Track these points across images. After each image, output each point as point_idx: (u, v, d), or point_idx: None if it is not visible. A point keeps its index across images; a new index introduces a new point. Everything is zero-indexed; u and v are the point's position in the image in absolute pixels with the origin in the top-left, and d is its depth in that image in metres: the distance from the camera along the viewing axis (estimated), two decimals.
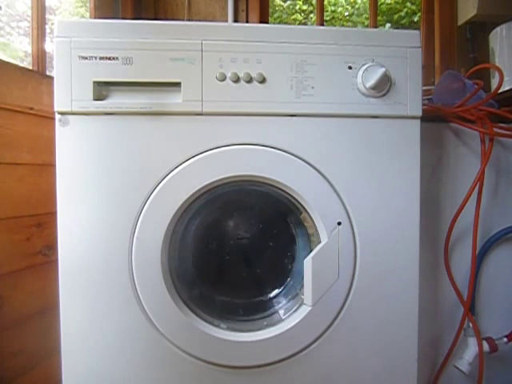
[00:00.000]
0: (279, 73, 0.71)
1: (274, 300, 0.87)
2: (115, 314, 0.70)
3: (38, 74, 0.99)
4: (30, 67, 1.02)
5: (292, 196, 0.73)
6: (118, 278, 0.70)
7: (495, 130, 0.88)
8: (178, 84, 0.69)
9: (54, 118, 0.69)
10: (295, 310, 0.75)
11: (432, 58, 1.63)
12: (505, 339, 0.92)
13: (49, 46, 1.06)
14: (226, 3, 1.52)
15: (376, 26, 1.75)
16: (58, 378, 0.72)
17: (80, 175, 0.69)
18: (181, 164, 0.70)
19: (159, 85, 0.69)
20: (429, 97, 1.06)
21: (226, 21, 1.51)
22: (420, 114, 0.74)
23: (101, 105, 0.68)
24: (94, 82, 0.68)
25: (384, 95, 0.72)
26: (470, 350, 0.90)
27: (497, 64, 1.33)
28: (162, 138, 0.70)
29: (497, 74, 1.05)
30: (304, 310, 0.73)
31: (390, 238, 0.75)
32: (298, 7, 3.92)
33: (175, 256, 0.77)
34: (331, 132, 0.73)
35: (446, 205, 0.91)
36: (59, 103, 0.68)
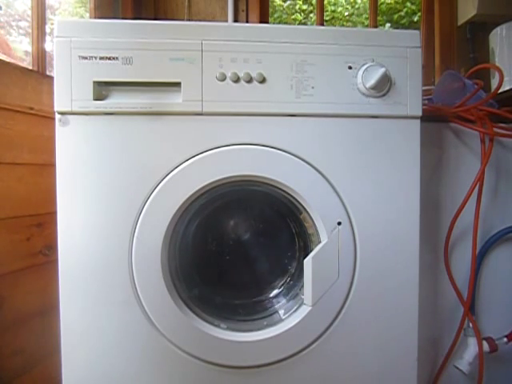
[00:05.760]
0: (279, 73, 0.71)
1: (274, 300, 0.87)
2: (115, 313, 0.70)
3: (38, 74, 0.99)
4: (30, 67, 1.02)
5: (292, 196, 0.73)
6: (118, 277, 0.70)
7: (495, 130, 0.88)
8: (178, 84, 0.69)
9: (54, 118, 0.68)
10: (295, 310, 0.75)
11: (432, 58, 1.63)
12: (505, 339, 0.92)
13: (49, 46, 1.06)
14: (226, 3, 1.52)
15: (376, 26, 1.75)
16: (58, 378, 0.72)
17: (80, 175, 0.69)
18: (181, 164, 0.70)
19: (159, 85, 0.69)
20: (429, 97, 1.06)
21: (226, 21, 1.51)
22: (420, 113, 0.74)
23: (101, 105, 0.68)
24: (94, 82, 0.68)
25: (384, 95, 0.72)
26: (470, 350, 0.90)
27: (497, 64, 1.33)
28: (161, 137, 0.70)
29: (497, 74, 1.05)
30: (304, 310, 0.73)
31: (390, 237, 0.74)
32: (297, 7, 3.92)
33: (175, 256, 0.77)
34: (331, 132, 0.73)
35: (446, 205, 0.91)
36: (59, 103, 0.68)
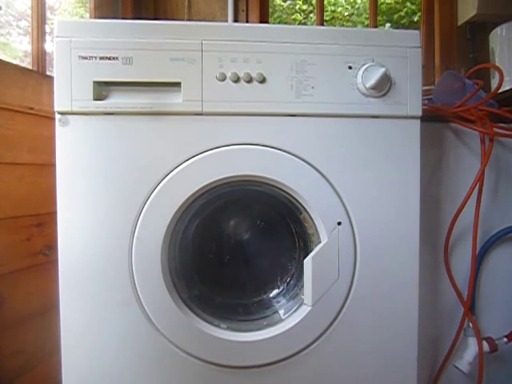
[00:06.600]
0: (279, 73, 0.71)
1: (274, 300, 0.87)
2: (115, 313, 0.70)
3: (38, 74, 0.99)
4: (30, 67, 1.02)
5: (292, 196, 0.73)
6: (118, 277, 0.70)
7: (495, 130, 0.88)
8: (178, 84, 0.69)
9: (54, 118, 0.69)
10: (295, 310, 0.75)
11: (432, 58, 1.63)
12: (505, 339, 0.92)
13: (49, 46, 1.06)
14: (226, 3, 1.52)
15: (376, 26, 1.75)
16: (58, 378, 0.72)
17: (80, 175, 0.69)
18: (181, 164, 0.70)
19: (159, 85, 0.69)
20: (429, 97, 1.06)
21: (226, 21, 1.51)
22: (420, 113, 0.74)
23: (101, 105, 0.68)
24: (94, 82, 0.68)
25: (384, 95, 0.72)
26: (470, 350, 0.90)
27: (497, 64, 1.33)
28: (162, 137, 0.70)
29: (497, 74, 1.05)
30: (304, 310, 0.73)
31: (390, 237, 0.74)
32: (298, 7, 3.92)
33: (175, 256, 0.77)
34: (331, 132, 0.73)
35: (446, 205, 0.91)
36: (59, 103, 0.68)
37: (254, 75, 0.70)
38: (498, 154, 0.93)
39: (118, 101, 0.69)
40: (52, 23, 1.09)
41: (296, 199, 0.74)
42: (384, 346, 0.76)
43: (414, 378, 0.77)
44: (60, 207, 0.69)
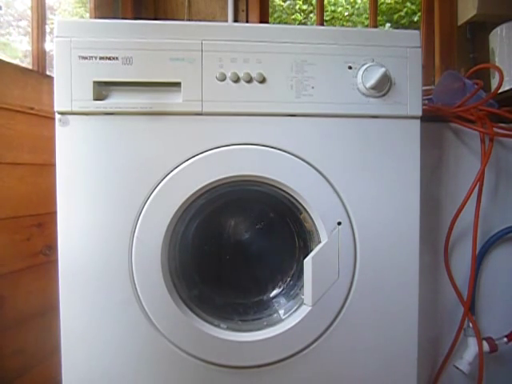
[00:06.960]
0: (279, 73, 0.71)
1: (274, 300, 0.87)
2: (115, 313, 0.70)
3: (38, 74, 0.99)
4: (30, 67, 1.02)
5: (292, 196, 0.74)
6: (118, 277, 0.70)
7: (495, 130, 0.88)
8: (178, 84, 0.69)
9: (54, 118, 0.69)
10: (295, 310, 0.75)
11: (432, 57, 1.63)
12: (505, 339, 0.92)
13: (49, 46, 1.06)
14: (226, 3, 1.52)
15: (376, 26, 1.75)
16: (58, 378, 0.72)
17: (80, 175, 0.69)
18: (181, 164, 0.70)
19: (159, 85, 0.69)
20: (429, 97, 1.06)
21: (226, 21, 1.51)
22: (420, 113, 0.74)
23: (101, 105, 0.68)
24: (94, 82, 0.68)
25: (384, 95, 0.72)
26: (470, 349, 0.90)
27: (497, 64, 1.33)
28: (162, 137, 0.70)
29: (497, 74, 1.05)
30: (304, 310, 0.73)
31: (390, 237, 0.75)
32: (298, 7, 3.92)
33: (175, 256, 0.77)
34: (331, 132, 0.73)
35: (446, 205, 0.91)
36: (59, 103, 0.68)
37: (254, 75, 0.70)
38: (498, 153, 0.93)
39: (117, 101, 0.69)
40: (52, 23, 1.09)
41: (296, 199, 0.74)
42: (384, 346, 0.76)
43: (414, 378, 0.77)
44: (60, 207, 0.69)
